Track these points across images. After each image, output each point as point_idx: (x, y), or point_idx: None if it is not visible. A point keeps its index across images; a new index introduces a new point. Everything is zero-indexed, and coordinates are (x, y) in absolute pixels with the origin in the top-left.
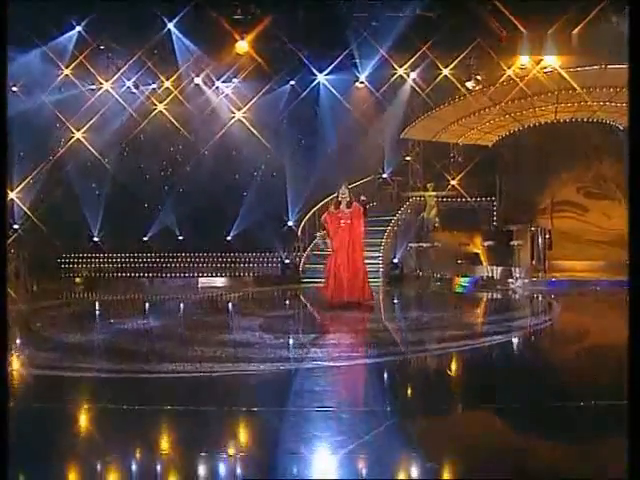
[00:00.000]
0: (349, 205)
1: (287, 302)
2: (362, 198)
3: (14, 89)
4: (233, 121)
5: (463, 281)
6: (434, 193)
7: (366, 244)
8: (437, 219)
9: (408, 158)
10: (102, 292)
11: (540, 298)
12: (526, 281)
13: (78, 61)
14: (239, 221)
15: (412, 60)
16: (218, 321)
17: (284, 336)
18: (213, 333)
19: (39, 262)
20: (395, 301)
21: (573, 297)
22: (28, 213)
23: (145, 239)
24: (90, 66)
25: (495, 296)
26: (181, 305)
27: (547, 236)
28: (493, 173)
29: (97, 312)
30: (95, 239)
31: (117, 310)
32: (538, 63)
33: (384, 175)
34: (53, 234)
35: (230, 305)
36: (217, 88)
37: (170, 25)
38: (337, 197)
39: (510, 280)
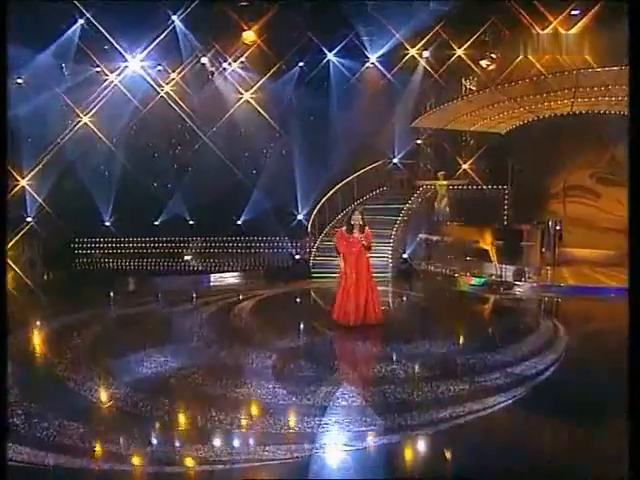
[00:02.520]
0: (362, 230)
1: (300, 320)
2: (366, 229)
3: (19, 81)
4: (239, 103)
5: (475, 281)
6: (445, 182)
7: (375, 236)
8: (448, 209)
9: (419, 142)
10: (117, 297)
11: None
12: (535, 285)
13: (85, 46)
14: (249, 208)
15: (425, 40)
16: (233, 358)
17: (298, 391)
18: (227, 385)
19: (53, 251)
20: (405, 319)
21: (591, 310)
22: (40, 202)
23: (156, 223)
24: (97, 52)
25: (507, 307)
26: (196, 324)
27: (557, 227)
28: (505, 159)
29: (114, 338)
30: (107, 224)
31: (134, 334)
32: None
33: (394, 160)
34: (66, 221)
35: (242, 322)
36: (225, 71)
37: (174, 17)
38: (350, 222)
39: (519, 283)
